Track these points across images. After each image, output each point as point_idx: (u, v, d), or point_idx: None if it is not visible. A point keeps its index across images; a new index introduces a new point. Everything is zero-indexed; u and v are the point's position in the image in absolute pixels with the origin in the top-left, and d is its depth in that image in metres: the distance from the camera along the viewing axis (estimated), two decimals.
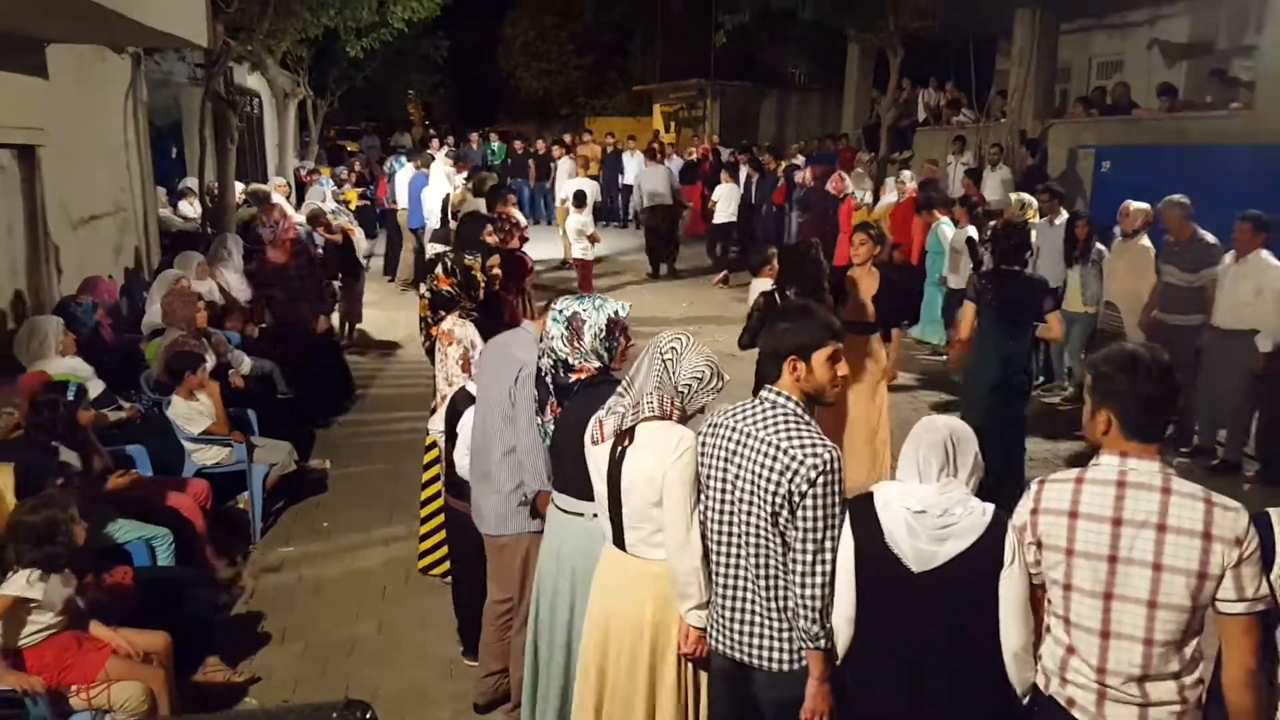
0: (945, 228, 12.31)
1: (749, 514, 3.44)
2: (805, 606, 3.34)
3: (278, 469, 7.57)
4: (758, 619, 3.51)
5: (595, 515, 4.01)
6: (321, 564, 6.91)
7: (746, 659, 3.55)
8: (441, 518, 6.22)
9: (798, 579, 3.35)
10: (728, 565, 3.56)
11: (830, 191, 15.74)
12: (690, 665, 3.82)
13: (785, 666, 3.50)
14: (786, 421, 3.44)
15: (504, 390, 4.58)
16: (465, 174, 15.73)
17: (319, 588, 6.59)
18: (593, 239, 15.30)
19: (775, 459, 3.36)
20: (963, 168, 15.96)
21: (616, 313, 4.26)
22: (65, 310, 7.91)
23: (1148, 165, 12.52)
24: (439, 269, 5.78)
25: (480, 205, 10.44)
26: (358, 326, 12.92)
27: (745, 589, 3.52)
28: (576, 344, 4.17)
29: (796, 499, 3.31)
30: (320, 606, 6.35)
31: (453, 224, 11.53)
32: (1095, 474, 3.10)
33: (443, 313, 5.80)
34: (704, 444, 3.63)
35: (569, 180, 17.48)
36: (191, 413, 7.15)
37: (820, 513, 3.31)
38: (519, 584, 4.78)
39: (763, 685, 3.57)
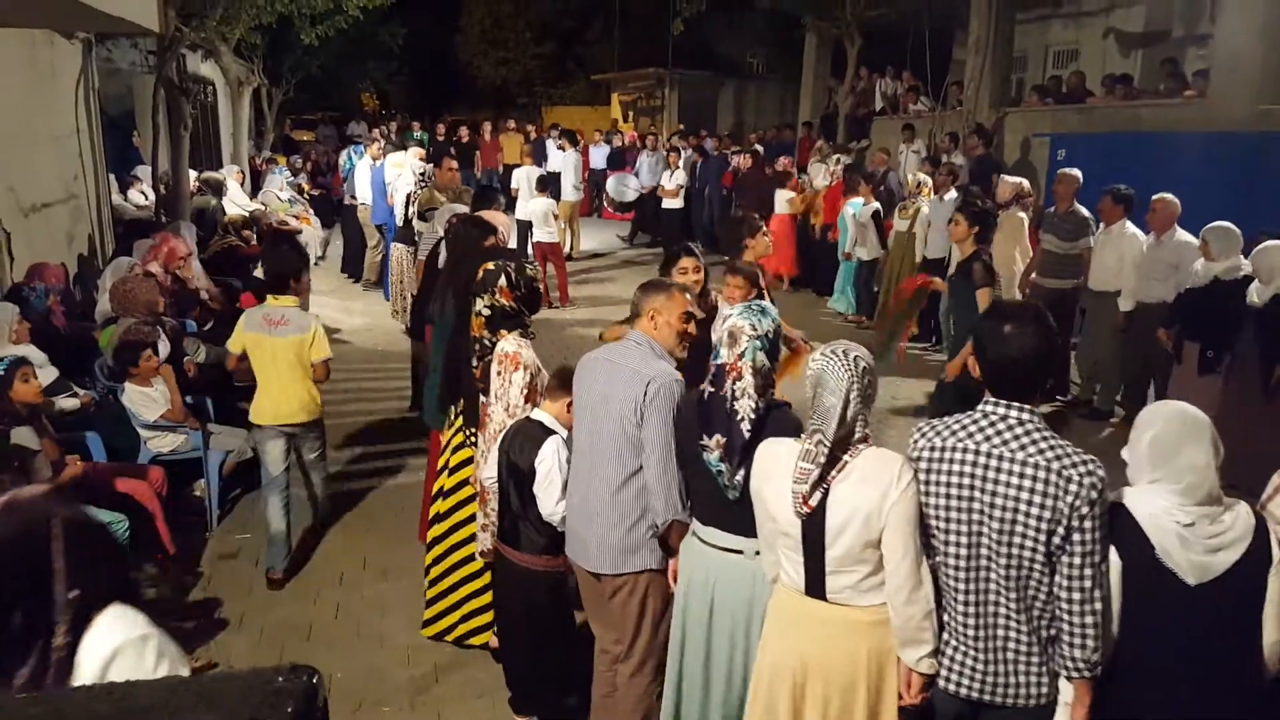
0: (849, 207, 13.28)
1: (1010, 542, 3.12)
2: (1086, 634, 3.08)
3: (234, 456, 7.51)
4: (1012, 654, 3.22)
5: (758, 553, 3.68)
6: None
7: (999, 699, 3.27)
8: (479, 578, 5.43)
9: (1076, 606, 3.07)
10: (979, 602, 3.23)
11: (767, 174, 16.49)
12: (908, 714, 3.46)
13: (1042, 700, 3.25)
14: (1044, 438, 3.15)
15: (625, 408, 4.04)
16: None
17: None
18: (558, 218, 15.49)
19: (1045, 480, 3.07)
20: (914, 156, 16.12)
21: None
22: (18, 295, 7.82)
23: (1103, 153, 12.63)
24: (502, 282, 4.98)
25: (455, 208, 9.80)
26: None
27: (999, 625, 3.21)
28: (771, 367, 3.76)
29: (1075, 521, 3.04)
30: (277, 592, 6.30)
31: (417, 224, 10.98)
32: None
33: (503, 332, 5.00)
34: (930, 470, 3.28)
35: (518, 169, 17.39)
36: (146, 399, 7.08)
37: (1099, 533, 3.06)
38: (635, 626, 4.28)
39: None
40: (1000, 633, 3.22)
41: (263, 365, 6.29)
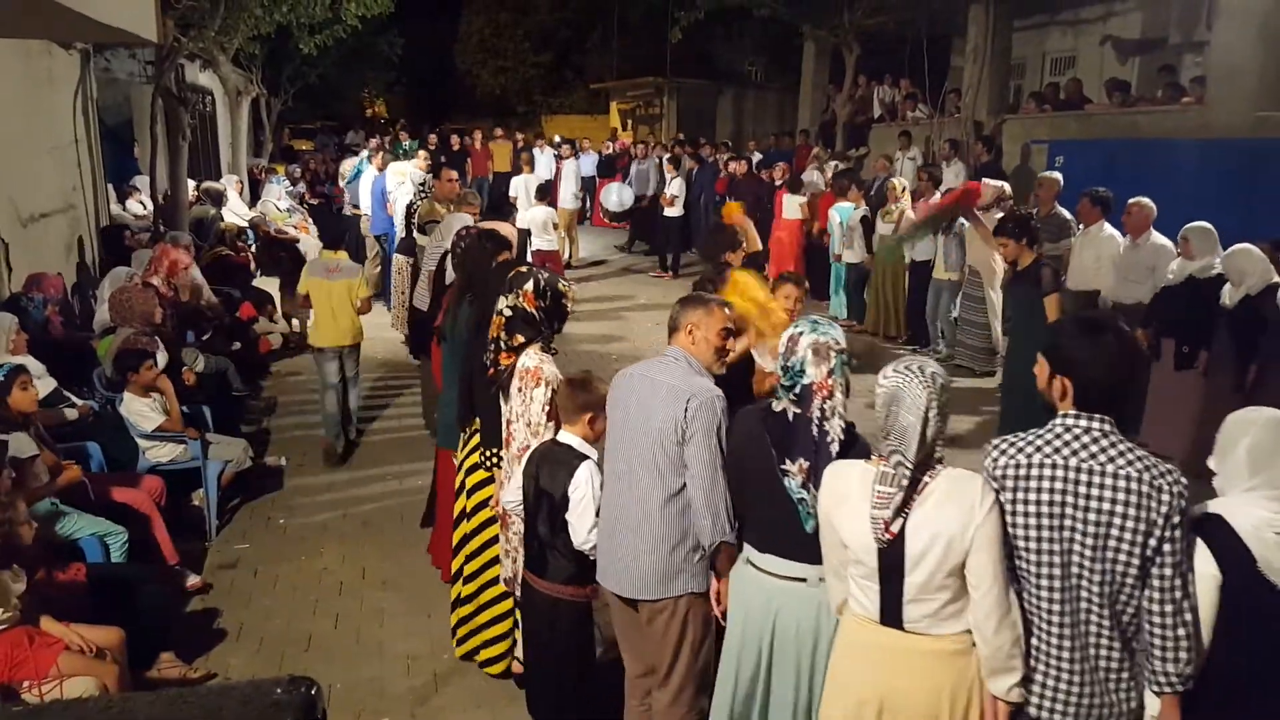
0: (834, 213, 13.57)
1: (1104, 557, 3.02)
2: (1179, 647, 3.01)
3: (233, 466, 7.49)
4: (1103, 673, 3.12)
5: (821, 580, 3.52)
6: (277, 561, 6.83)
7: None
8: (502, 603, 5.26)
9: (1170, 619, 3.00)
10: (1073, 623, 3.10)
11: (763, 180, 16.81)
12: None
13: (1133, 719, 3.17)
14: (1129, 449, 3.06)
15: (665, 426, 3.88)
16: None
17: (275, 584, 6.52)
18: (557, 227, 15.69)
19: (1138, 491, 2.98)
20: (910, 163, 16.15)
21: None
22: (16, 305, 7.82)
23: (1101, 160, 12.65)
24: (529, 286, 4.83)
25: (463, 218, 9.56)
26: (307, 325, 12.61)
27: (1092, 644, 3.10)
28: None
29: (1168, 532, 2.96)
30: (276, 603, 6.28)
31: (418, 237, 10.76)
32: None
33: (520, 338, 4.84)
34: (1017, 488, 3.13)
35: (517, 178, 17.48)
36: (145, 409, 7.07)
37: (1186, 540, 3.01)
38: (673, 652, 4.08)
39: None
40: (1092, 652, 3.11)
41: (321, 303, 8.43)
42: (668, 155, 20.68)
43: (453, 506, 5.70)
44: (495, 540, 5.21)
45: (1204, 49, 15.20)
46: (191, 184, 14.91)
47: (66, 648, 4.57)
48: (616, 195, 20.30)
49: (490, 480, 5.24)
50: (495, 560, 5.22)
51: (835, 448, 3.49)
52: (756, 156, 19.72)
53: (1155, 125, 13.25)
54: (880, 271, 12.92)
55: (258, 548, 7.04)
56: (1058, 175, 10.71)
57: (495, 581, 5.22)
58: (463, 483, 5.49)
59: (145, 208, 14.39)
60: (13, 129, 9.55)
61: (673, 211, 18.14)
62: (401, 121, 30.08)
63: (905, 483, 3.09)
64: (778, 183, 16.08)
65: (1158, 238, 8.70)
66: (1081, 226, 9.66)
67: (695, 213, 19.12)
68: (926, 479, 3.12)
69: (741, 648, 3.76)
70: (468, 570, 5.39)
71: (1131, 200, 8.85)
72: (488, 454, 5.19)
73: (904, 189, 12.90)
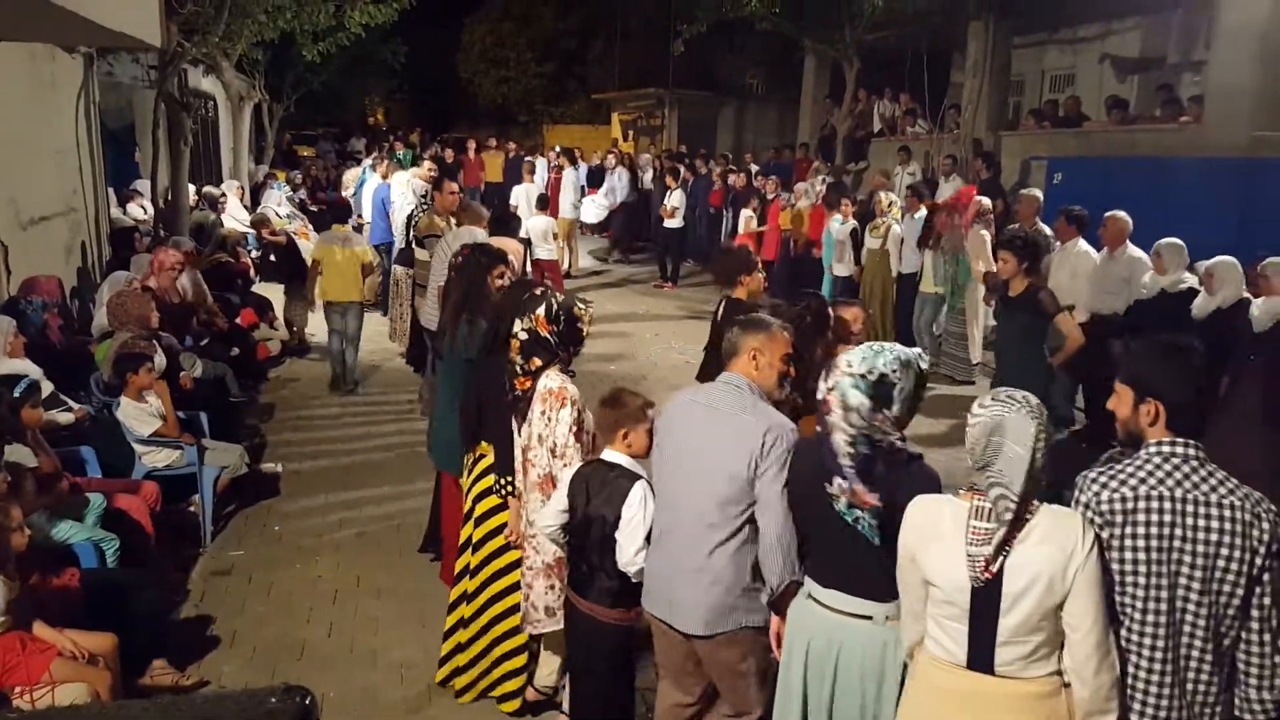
0: (832, 224, 13.71)
1: (1212, 589, 2.96)
2: (1277, 675, 2.98)
3: (229, 472, 7.49)
4: (1197, 709, 3.05)
5: (887, 619, 3.41)
6: (272, 568, 6.82)
7: None
8: (515, 637, 5.07)
9: (1269, 646, 2.96)
10: (1174, 659, 3.02)
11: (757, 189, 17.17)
12: None
13: None
14: (1225, 476, 3.01)
15: (735, 460, 3.70)
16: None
17: (269, 591, 6.51)
18: (557, 237, 15.86)
19: (1241, 520, 2.94)
20: (909, 178, 16.17)
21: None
22: (15, 309, 7.82)
23: (1099, 177, 12.68)
24: (541, 310, 4.65)
25: (476, 234, 8.76)
26: (305, 330, 12.66)
27: (1190, 680, 3.03)
28: (884, 414, 3.37)
29: (1268, 560, 2.92)
30: (270, 610, 6.27)
31: (418, 251, 10.43)
32: None
33: (536, 361, 4.66)
34: (1125, 523, 3.04)
35: (518, 187, 17.60)
36: (141, 414, 7.06)
37: None
38: (737, 687, 3.98)
39: None
40: (1190, 686, 3.04)
41: (331, 266, 10.30)
42: (667, 167, 20.76)
43: (459, 531, 5.50)
44: (506, 571, 5.07)
45: (1202, 68, 15.24)
46: (192, 189, 14.92)
47: (59, 654, 4.56)
48: (587, 206, 20.54)
49: (503, 508, 5.07)
50: (508, 591, 5.06)
51: (846, 462, 3.33)
52: (754, 169, 19.77)
53: (1153, 143, 13.30)
54: (869, 284, 13.01)
55: (252, 554, 7.03)
56: (1038, 192, 10.94)
57: (511, 612, 5.04)
58: (471, 510, 5.28)
59: (146, 212, 14.40)
60: (15, 132, 9.57)
61: (673, 223, 18.29)
62: (417, 129, 29.90)
63: (1009, 517, 2.95)
64: (769, 196, 16.23)
65: (1133, 250, 8.96)
66: (1059, 244, 9.84)
67: (690, 224, 19.28)
68: (1027, 515, 2.98)
69: (804, 685, 3.61)
70: (472, 607, 5.18)
71: (1107, 214, 9.08)
72: (501, 482, 5.00)
73: (890, 204, 13.00)
